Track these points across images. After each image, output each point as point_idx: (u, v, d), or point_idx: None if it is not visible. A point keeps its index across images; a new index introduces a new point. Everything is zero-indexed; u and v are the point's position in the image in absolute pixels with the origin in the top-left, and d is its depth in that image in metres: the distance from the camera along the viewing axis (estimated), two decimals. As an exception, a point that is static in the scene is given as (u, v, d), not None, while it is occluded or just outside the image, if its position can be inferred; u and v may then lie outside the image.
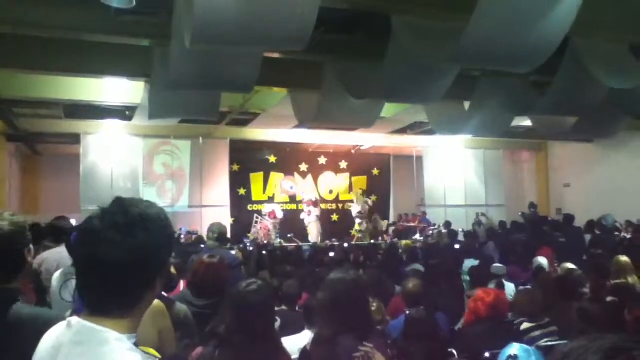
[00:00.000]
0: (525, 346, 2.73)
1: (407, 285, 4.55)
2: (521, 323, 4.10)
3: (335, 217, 16.89)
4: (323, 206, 16.62)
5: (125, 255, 1.19)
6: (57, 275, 3.51)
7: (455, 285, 5.62)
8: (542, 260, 6.75)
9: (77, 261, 1.27)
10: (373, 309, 4.16)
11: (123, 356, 1.15)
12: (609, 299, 4.55)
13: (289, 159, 16.75)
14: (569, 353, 0.79)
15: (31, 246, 2.00)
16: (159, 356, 1.23)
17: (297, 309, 4.56)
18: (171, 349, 2.87)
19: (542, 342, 3.87)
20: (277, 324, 3.46)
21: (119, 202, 1.28)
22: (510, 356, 2.63)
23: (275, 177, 16.54)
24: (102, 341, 1.16)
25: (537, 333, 3.99)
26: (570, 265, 6.00)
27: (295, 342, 3.20)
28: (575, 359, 0.77)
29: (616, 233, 10.96)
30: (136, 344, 1.21)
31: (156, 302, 2.95)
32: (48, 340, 1.27)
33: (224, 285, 3.73)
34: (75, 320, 1.23)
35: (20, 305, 1.84)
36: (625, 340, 0.76)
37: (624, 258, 5.68)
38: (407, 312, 4.00)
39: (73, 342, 1.19)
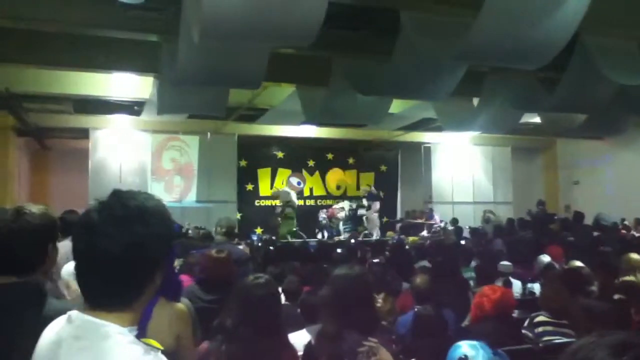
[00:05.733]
0: (471, 342, 2.71)
1: (415, 280, 4.56)
2: (537, 316, 4.10)
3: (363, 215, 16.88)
4: (330, 202, 16.62)
5: (123, 249, 1.17)
6: (69, 268, 3.52)
7: (459, 282, 5.59)
8: (546, 258, 6.72)
9: (76, 255, 1.25)
10: (381, 303, 4.17)
11: (125, 349, 1.15)
12: (616, 296, 4.54)
13: (297, 154, 16.75)
14: (578, 349, 0.80)
15: (58, 244, 2.00)
16: (162, 347, 1.22)
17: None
18: (189, 356, 2.78)
19: (553, 339, 3.87)
20: None
21: (117, 194, 1.26)
22: (461, 358, 2.61)
23: (283, 173, 16.56)
24: (104, 335, 1.16)
25: (549, 328, 3.99)
26: (578, 263, 5.97)
27: (296, 340, 3.20)
28: (585, 354, 0.78)
29: (624, 231, 10.89)
30: (137, 337, 1.20)
31: (179, 306, 2.95)
32: (48, 335, 1.26)
33: (233, 280, 3.73)
34: (75, 314, 1.22)
35: (49, 298, 1.84)
36: (633, 337, 0.77)
37: (635, 255, 5.65)
38: (416, 309, 4.01)
39: (74, 336, 1.18)
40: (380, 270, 5.35)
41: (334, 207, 16.18)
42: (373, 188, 16.07)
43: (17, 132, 12.46)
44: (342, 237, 14.21)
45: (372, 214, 15.41)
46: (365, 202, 15.99)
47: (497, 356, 2.76)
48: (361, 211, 15.81)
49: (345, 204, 16.10)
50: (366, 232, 15.00)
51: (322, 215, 15.91)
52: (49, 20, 6.09)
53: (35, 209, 1.92)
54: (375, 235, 14.53)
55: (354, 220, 15.83)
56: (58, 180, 14.56)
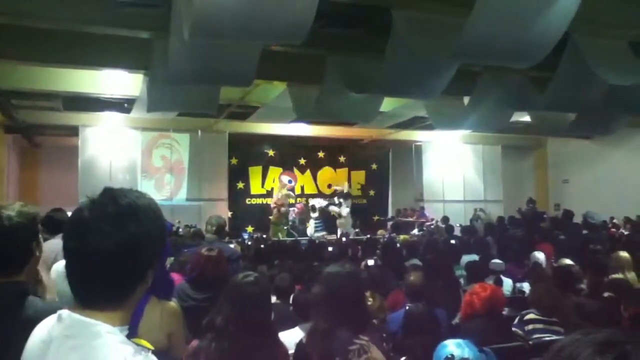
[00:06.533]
0: (457, 340, 2.72)
1: (409, 278, 4.57)
2: (527, 314, 4.12)
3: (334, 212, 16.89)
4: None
5: (115, 247, 1.16)
6: (60, 268, 3.47)
7: (450, 280, 5.61)
8: (539, 255, 6.75)
9: (67, 253, 1.23)
10: (372, 302, 4.17)
11: (115, 349, 1.14)
12: (606, 294, 4.57)
13: (288, 153, 16.77)
14: (563, 347, 0.80)
15: (40, 239, 1.96)
16: (152, 347, 1.21)
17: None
18: (180, 354, 2.77)
19: (543, 336, 3.89)
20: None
21: (108, 192, 1.24)
22: (447, 357, 2.61)
23: (274, 171, 16.54)
24: (94, 334, 1.15)
25: (539, 326, 4.00)
26: (567, 261, 6.01)
27: (289, 338, 3.19)
28: (569, 352, 0.78)
29: (613, 229, 10.97)
30: (128, 336, 1.19)
31: (170, 304, 2.93)
32: (38, 334, 1.25)
33: (224, 278, 3.72)
34: (65, 313, 1.20)
35: (32, 298, 1.80)
36: (618, 335, 0.77)
37: (624, 254, 5.69)
38: (407, 307, 4.01)
39: (64, 335, 1.17)
40: (378, 273, 5.37)
41: (301, 203, 16.01)
42: (348, 188, 16.06)
43: (5, 129, 12.37)
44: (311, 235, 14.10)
45: (343, 211, 15.34)
46: (336, 199, 15.90)
47: (482, 354, 2.76)
48: (333, 207, 15.69)
49: (316, 201, 15.99)
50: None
51: (292, 215, 15.68)
52: (40, 17, 6.03)
53: (11, 208, 1.87)
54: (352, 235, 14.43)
55: (325, 218, 15.62)
56: (48, 178, 14.48)
